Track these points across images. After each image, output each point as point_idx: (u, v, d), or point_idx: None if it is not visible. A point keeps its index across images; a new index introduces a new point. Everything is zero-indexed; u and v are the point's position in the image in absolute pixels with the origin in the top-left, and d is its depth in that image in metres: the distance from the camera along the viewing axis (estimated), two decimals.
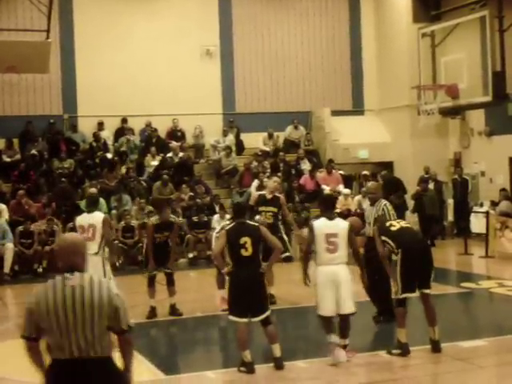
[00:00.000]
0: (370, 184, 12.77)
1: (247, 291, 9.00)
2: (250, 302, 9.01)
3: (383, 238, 9.87)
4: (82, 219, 11.85)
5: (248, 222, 9.47)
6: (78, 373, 4.73)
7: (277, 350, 9.11)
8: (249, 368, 9.00)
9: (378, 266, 10.13)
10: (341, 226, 9.43)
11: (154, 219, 12.81)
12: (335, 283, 9.23)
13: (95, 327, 4.73)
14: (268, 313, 9.14)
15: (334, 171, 23.08)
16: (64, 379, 4.76)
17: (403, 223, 10.18)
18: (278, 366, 9.09)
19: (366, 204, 21.10)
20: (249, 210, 12.34)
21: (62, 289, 4.75)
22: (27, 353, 4.92)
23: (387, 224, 10.07)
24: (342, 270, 9.32)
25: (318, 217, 10.58)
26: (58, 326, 4.71)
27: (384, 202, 11.29)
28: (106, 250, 11.99)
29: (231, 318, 9.14)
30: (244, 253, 9.03)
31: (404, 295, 9.58)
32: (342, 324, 9.46)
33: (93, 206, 12.45)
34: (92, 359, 4.74)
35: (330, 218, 9.48)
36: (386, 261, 9.81)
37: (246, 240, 9.04)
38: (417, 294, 9.65)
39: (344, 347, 9.35)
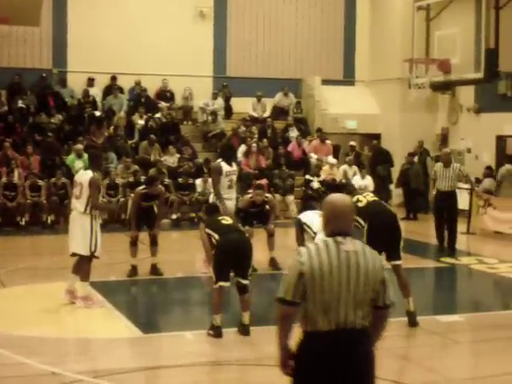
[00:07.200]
0: (444, 150, 16.34)
1: None
2: None
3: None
4: (78, 176, 11.31)
5: None
6: (343, 344, 4.42)
7: None
8: None
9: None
10: None
11: (141, 188, 12.82)
12: None
13: (365, 296, 4.49)
14: None
15: (326, 141, 23.09)
16: (326, 352, 4.42)
17: (370, 197, 9.93)
18: None
19: (350, 173, 21.50)
20: None
21: (336, 252, 4.45)
22: (281, 319, 4.53)
23: (354, 199, 9.49)
24: None
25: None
26: (330, 292, 4.42)
27: (457, 164, 14.32)
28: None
29: None
30: None
31: None
32: None
33: (90, 163, 11.69)
34: (357, 330, 4.48)
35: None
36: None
37: None
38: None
39: None
